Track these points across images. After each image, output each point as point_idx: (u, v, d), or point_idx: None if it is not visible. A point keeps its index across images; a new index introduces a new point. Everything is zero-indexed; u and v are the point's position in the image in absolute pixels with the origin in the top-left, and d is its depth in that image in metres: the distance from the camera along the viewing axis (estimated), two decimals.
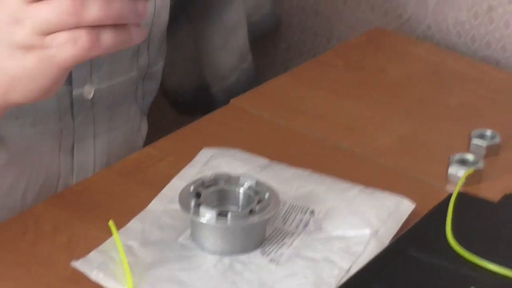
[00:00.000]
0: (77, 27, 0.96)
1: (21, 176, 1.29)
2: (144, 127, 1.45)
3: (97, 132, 1.34)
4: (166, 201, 1.21)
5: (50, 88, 1.02)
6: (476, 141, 1.33)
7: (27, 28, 0.97)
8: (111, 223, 1.12)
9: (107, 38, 0.98)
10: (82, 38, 0.97)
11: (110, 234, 1.13)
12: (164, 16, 1.38)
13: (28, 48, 0.98)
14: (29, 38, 0.98)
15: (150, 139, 1.42)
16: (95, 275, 1.11)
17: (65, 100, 1.28)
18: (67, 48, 0.97)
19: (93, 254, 1.13)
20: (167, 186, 1.24)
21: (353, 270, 1.13)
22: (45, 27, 0.97)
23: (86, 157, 1.34)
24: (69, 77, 1.27)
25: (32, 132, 1.27)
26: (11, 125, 1.25)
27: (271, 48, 1.75)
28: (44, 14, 0.96)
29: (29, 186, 1.30)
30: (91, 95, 1.29)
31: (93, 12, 0.96)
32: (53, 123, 1.28)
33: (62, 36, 0.97)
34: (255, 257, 1.14)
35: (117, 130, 1.37)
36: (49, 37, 0.97)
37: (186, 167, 1.27)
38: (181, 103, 1.62)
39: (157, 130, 1.44)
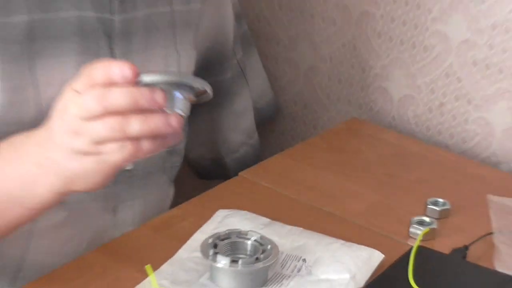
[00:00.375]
0: (123, 138, 0.99)
1: (76, 229, 1.29)
2: (171, 191, 1.45)
3: (135, 196, 1.34)
4: (190, 250, 1.22)
5: (103, 182, 1.05)
6: (431, 207, 1.35)
7: (85, 139, 1.00)
8: (148, 267, 1.13)
9: (147, 145, 1.00)
10: (128, 147, 1.00)
11: (146, 275, 1.14)
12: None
13: (85, 153, 1.01)
14: (86, 147, 1.00)
15: (176, 200, 1.43)
16: None
17: None
18: (116, 154, 1.00)
19: None
20: (190, 239, 1.24)
21: None
22: (98, 139, 0.99)
23: (126, 215, 1.34)
24: None
25: (83, 196, 1.26)
26: None
27: (269, 132, 1.75)
28: (98, 129, 0.99)
29: (82, 237, 1.30)
30: (130, 167, 1.31)
31: (135, 128, 0.99)
32: (100, 190, 1.29)
33: (112, 145, 1.00)
34: None
35: (150, 195, 1.37)
36: (102, 146, 1.00)
37: (206, 224, 1.27)
38: (201, 171, 1.63)
39: (183, 192, 1.44)
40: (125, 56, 1.25)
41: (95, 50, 1.23)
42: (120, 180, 1.30)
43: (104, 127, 0.99)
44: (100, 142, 1.00)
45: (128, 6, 1.25)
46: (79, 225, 1.29)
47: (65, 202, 1.24)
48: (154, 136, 1.01)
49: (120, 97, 0.98)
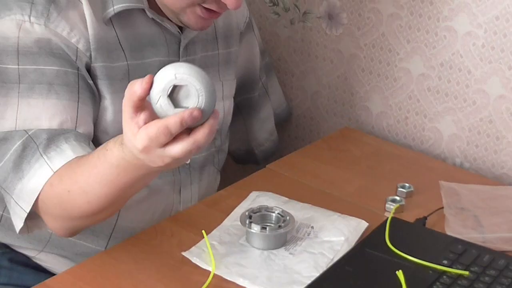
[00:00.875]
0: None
1: (152, 204, 1.26)
2: (218, 178, 1.41)
3: (193, 181, 1.31)
4: (232, 220, 1.19)
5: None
6: (400, 189, 1.31)
7: (169, 160, 0.93)
8: (203, 232, 1.11)
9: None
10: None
11: (202, 237, 1.12)
12: (229, 119, 1.37)
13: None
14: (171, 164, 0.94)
15: (222, 185, 1.39)
16: (194, 260, 1.09)
17: None
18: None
19: (193, 248, 1.12)
20: (233, 212, 1.21)
21: (335, 259, 1.11)
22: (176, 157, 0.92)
23: (186, 195, 1.31)
24: None
25: (159, 181, 1.24)
26: None
27: (286, 137, 1.74)
28: (175, 152, 0.91)
29: (157, 210, 1.27)
30: (189, 162, 1.28)
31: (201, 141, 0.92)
32: (169, 177, 1.26)
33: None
34: (281, 251, 1.12)
35: (203, 180, 1.34)
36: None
37: (243, 201, 1.24)
38: (237, 158, 1.59)
39: (227, 179, 1.42)
40: None
41: None
42: (182, 171, 1.28)
43: (178, 150, 0.91)
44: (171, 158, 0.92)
45: (190, 51, 1.24)
46: (155, 201, 1.26)
47: (147, 187, 1.21)
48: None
49: (175, 125, 0.90)
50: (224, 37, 1.32)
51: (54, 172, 1.03)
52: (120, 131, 1.15)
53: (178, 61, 1.22)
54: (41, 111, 1.07)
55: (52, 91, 1.08)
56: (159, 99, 0.88)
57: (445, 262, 1.09)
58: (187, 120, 0.88)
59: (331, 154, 1.46)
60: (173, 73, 0.88)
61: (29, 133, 1.06)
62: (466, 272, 1.06)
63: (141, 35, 1.17)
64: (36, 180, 1.04)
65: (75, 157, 1.04)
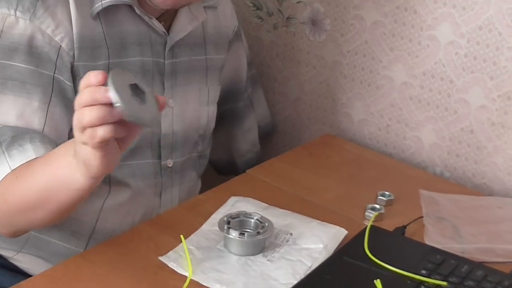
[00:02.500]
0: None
1: (133, 206, 1.24)
2: (199, 183, 1.40)
3: (174, 184, 1.29)
4: (210, 225, 1.18)
5: (105, 167, 0.92)
6: (380, 197, 1.30)
7: (78, 129, 0.90)
8: (182, 237, 1.09)
9: (101, 132, 0.88)
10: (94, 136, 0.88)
11: (180, 241, 1.11)
12: (212, 124, 1.35)
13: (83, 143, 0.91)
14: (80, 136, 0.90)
15: (202, 190, 1.38)
16: (171, 265, 1.08)
17: (157, 167, 1.25)
18: (92, 140, 0.88)
19: (170, 253, 1.10)
20: (211, 217, 1.20)
21: (313, 267, 1.10)
22: (82, 125, 0.88)
23: (167, 199, 1.29)
24: (160, 155, 1.24)
25: (141, 184, 1.23)
26: (132, 179, 1.22)
27: (267, 142, 1.72)
28: (78, 117, 0.88)
29: (137, 213, 1.25)
30: (171, 165, 1.27)
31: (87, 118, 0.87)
32: (151, 179, 1.25)
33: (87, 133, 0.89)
34: (259, 258, 1.11)
35: (184, 184, 1.32)
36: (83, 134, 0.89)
37: (222, 206, 1.23)
38: (219, 169, 1.57)
39: (207, 184, 1.39)
40: (172, 88, 1.24)
41: (151, 83, 1.21)
42: (164, 174, 1.26)
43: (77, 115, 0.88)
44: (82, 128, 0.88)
45: (175, 54, 1.23)
46: (136, 204, 1.24)
47: (128, 187, 1.21)
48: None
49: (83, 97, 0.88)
50: (213, 43, 1.31)
51: (12, 170, 1.02)
52: None
53: (163, 62, 1.21)
54: (10, 108, 1.06)
55: (24, 90, 1.07)
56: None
57: (423, 272, 1.08)
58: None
59: (311, 160, 1.45)
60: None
61: None
62: (445, 283, 1.06)
63: (127, 33, 1.16)
64: None
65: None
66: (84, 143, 0.89)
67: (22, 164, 1.02)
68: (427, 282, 1.06)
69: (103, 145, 0.88)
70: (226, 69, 1.38)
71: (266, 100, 1.63)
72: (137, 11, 1.15)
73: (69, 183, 0.97)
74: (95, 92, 0.86)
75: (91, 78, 0.87)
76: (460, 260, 1.12)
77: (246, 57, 1.47)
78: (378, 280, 1.04)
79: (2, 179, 1.03)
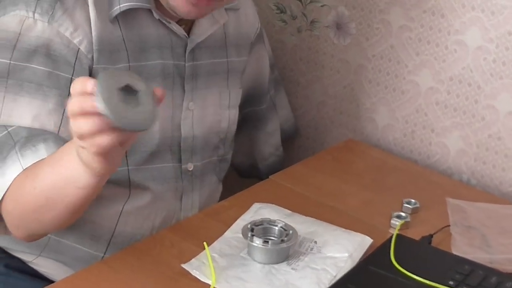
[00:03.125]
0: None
1: (154, 210, 1.23)
2: (220, 188, 1.38)
3: (194, 188, 1.28)
4: (234, 232, 1.16)
5: (107, 167, 0.92)
6: (405, 205, 1.28)
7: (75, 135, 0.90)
8: (205, 243, 1.08)
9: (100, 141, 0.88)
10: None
11: (203, 248, 1.09)
12: (233, 128, 1.34)
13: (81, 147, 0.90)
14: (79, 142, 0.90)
15: (224, 195, 1.36)
16: (194, 272, 1.06)
17: (178, 171, 1.24)
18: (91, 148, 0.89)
19: (193, 260, 1.08)
20: (234, 223, 1.18)
21: (338, 276, 1.08)
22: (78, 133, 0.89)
23: (188, 203, 1.28)
24: (180, 158, 1.23)
25: (161, 187, 1.22)
26: (152, 183, 1.20)
27: (290, 146, 1.71)
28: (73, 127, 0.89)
29: (157, 217, 1.24)
30: (191, 169, 1.25)
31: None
32: (171, 183, 1.23)
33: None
34: (283, 266, 1.09)
35: (205, 188, 1.30)
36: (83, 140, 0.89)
37: (245, 213, 1.21)
38: (241, 172, 1.55)
39: (229, 190, 1.37)
40: (192, 91, 1.22)
41: (171, 86, 1.19)
42: (185, 178, 1.25)
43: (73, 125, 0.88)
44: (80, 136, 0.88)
45: (196, 56, 1.21)
46: (156, 207, 1.23)
47: (148, 191, 1.20)
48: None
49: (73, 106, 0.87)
50: (235, 45, 1.30)
51: (24, 169, 1.01)
52: None
53: (184, 65, 1.20)
54: (26, 110, 1.06)
55: (40, 92, 1.06)
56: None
57: (451, 283, 1.06)
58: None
59: (335, 166, 1.43)
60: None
61: (9, 130, 1.04)
62: None
63: (147, 36, 1.15)
64: (7, 177, 1.02)
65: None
66: (84, 148, 0.89)
67: (33, 163, 1.02)
68: None
69: (103, 151, 0.88)
70: (248, 72, 1.36)
71: (289, 103, 1.61)
72: (156, 15, 1.14)
73: (75, 181, 0.96)
74: (82, 102, 0.85)
75: (78, 86, 0.86)
76: (488, 271, 1.09)
77: (269, 59, 1.46)
78: None
79: (14, 179, 1.02)
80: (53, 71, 1.07)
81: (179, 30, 1.17)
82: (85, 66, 1.09)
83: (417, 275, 1.06)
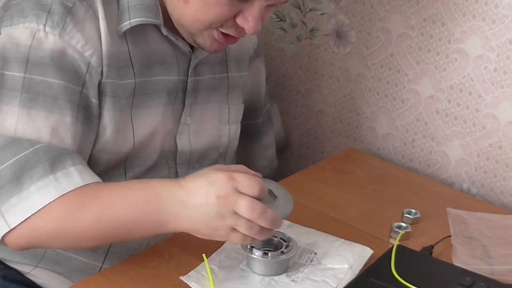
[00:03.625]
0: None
1: None
2: None
3: None
4: (233, 243, 1.13)
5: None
6: (406, 215, 1.27)
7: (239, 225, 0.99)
8: (204, 256, 1.07)
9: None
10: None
11: (201, 260, 1.08)
12: (235, 143, 1.32)
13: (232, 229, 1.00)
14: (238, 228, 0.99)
15: None
16: (193, 285, 1.05)
17: (172, 178, 1.22)
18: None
19: (192, 273, 1.07)
20: None
21: None
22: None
23: None
24: (176, 172, 1.23)
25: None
26: (149, 176, 1.20)
27: (289, 156, 1.70)
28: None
29: None
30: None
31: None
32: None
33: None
34: (283, 278, 1.08)
35: None
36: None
37: None
38: None
39: None
40: (191, 106, 1.22)
41: (173, 101, 1.19)
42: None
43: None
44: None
45: (198, 72, 1.22)
46: None
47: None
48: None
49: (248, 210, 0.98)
50: (235, 61, 1.29)
51: (61, 195, 1.01)
52: (118, 150, 1.12)
53: (186, 80, 1.20)
54: (42, 125, 1.04)
55: (56, 106, 1.04)
56: None
57: None
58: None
59: (335, 176, 1.42)
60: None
61: (34, 147, 1.02)
62: None
63: (153, 52, 1.14)
64: (38, 198, 1.00)
65: (90, 184, 1.03)
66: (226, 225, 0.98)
67: (85, 190, 1.02)
68: None
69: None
70: (247, 86, 1.36)
71: (287, 113, 1.60)
72: (163, 31, 1.13)
73: (152, 227, 1.01)
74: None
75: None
76: (490, 283, 1.08)
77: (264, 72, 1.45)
78: None
79: (50, 203, 1.00)
80: (68, 84, 1.06)
81: (185, 46, 1.17)
82: (95, 80, 1.08)
83: (418, 287, 1.05)
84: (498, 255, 1.17)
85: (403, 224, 1.23)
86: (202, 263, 1.08)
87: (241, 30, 1.09)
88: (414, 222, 1.25)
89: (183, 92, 1.20)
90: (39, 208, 1.00)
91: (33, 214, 1.00)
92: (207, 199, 0.98)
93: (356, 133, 1.59)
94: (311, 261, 1.12)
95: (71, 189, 1.01)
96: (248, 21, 1.08)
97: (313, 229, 1.19)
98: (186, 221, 0.99)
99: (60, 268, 1.21)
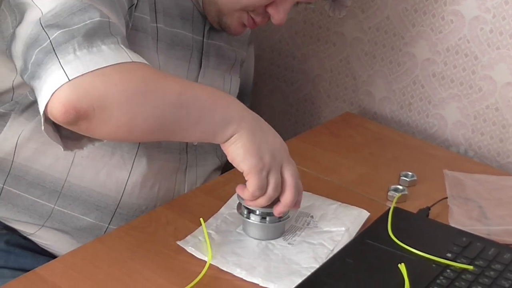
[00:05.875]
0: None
1: (157, 180, 1.21)
2: (219, 172, 1.36)
3: (198, 164, 1.28)
4: (230, 208, 1.15)
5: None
6: (402, 178, 1.27)
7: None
8: (201, 220, 1.07)
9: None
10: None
11: (198, 226, 1.08)
12: None
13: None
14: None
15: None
16: (190, 249, 1.05)
17: (183, 144, 1.24)
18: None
19: (189, 237, 1.08)
20: (230, 199, 1.17)
21: (335, 250, 1.07)
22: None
23: (192, 177, 1.27)
24: None
25: (164, 156, 1.21)
26: (156, 151, 1.20)
27: (286, 121, 1.70)
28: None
29: (161, 187, 1.22)
30: (196, 143, 1.26)
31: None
32: (175, 154, 1.23)
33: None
34: (280, 241, 1.08)
35: (208, 167, 1.31)
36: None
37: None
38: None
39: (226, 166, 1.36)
40: (205, 68, 1.24)
41: (188, 58, 1.21)
42: (189, 151, 1.26)
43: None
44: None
45: (211, 35, 1.24)
46: (160, 178, 1.22)
47: (152, 159, 1.19)
48: None
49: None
50: (236, 39, 1.32)
51: (136, 61, 0.92)
52: None
53: (202, 40, 1.22)
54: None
55: (114, 8, 1.00)
56: None
57: (449, 255, 1.05)
58: None
59: (332, 140, 1.42)
60: None
61: (109, 19, 0.95)
62: (471, 267, 1.03)
63: (172, 3, 1.17)
64: (111, 56, 0.90)
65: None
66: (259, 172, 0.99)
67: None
68: (453, 266, 1.03)
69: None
70: (244, 66, 1.39)
71: (283, 78, 1.60)
72: None
73: (217, 122, 0.97)
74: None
75: None
76: (486, 243, 1.08)
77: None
78: (403, 264, 1.01)
79: (133, 63, 0.91)
80: None
81: (201, 7, 1.21)
82: (132, 8, 1.08)
83: (414, 248, 1.05)
84: (494, 216, 1.17)
85: (400, 187, 1.23)
86: (199, 228, 1.08)
87: (267, 18, 1.16)
88: (411, 185, 1.25)
89: (199, 52, 1.22)
90: (113, 63, 0.90)
91: (106, 67, 0.89)
92: (274, 138, 1.03)
93: (353, 97, 1.58)
94: (308, 224, 1.12)
95: (146, 63, 0.94)
96: (279, 12, 1.15)
97: (309, 193, 1.19)
98: (246, 131, 0.98)
99: (66, 227, 1.20)
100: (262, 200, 1.02)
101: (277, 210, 1.04)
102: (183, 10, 1.19)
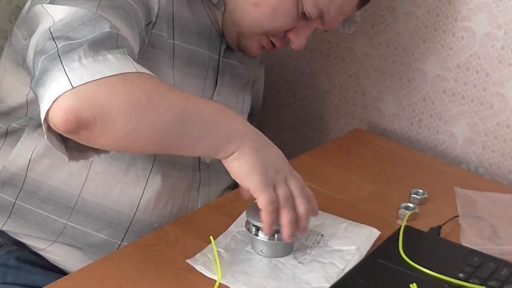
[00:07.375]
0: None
1: (170, 198, 1.21)
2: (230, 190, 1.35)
3: (211, 182, 1.27)
4: (239, 225, 1.14)
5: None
6: (413, 196, 1.26)
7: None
8: (211, 238, 1.06)
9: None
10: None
11: (207, 242, 1.07)
12: None
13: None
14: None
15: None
16: (199, 268, 1.04)
17: (196, 161, 1.23)
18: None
19: (198, 256, 1.07)
20: (239, 217, 1.16)
21: (346, 270, 1.06)
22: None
23: (205, 194, 1.27)
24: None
25: (178, 174, 1.20)
26: (171, 168, 1.19)
27: (295, 137, 1.69)
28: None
29: (174, 205, 1.22)
30: (209, 161, 1.25)
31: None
32: (189, 172, 1.22)
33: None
34: (290, 260, 1.07)
35: (221, 185, 1.30)
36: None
37: (250, 206, 1.17)
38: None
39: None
40: (220, 86, 1.25)
41: (204, 76, 1.21)
42: (202, 169, 1.25)
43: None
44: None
45: (227, 54, 1.25)
46: (173, 195, 1.21)
47: (166, 176, 1.18)
48: None
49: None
50: (253, 59, 1.32)
51: (141, 72, 0.92)
52: None
53: (218, 59, 1.22)
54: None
55: (129, 23, 0.99)
56: None
57: (461, 275, 1.04)
58: None
59: (341, 157, 1.41)
60: None
61: (118, 31, 0.94)
62: (483, 287, 1.01)
63: (191, 20, 1.17)
64: (116, 65, 0.89)
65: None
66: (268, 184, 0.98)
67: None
68: (465, 286, 1.02)
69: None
70: (255, 85, 1.40)
71: (292, 94, 1.59)
72: (206, 5, 1.17)
73: (221, 137, 0.96)
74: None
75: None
76: (499, 263, 1.07)
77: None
78: (414, 284, 1.00)
79: (128, 72, 0.90)
80: (140, 11, 1.03)
81: (219, 27, 1.21)
82: (150, 25, 1.08)
83: (426, 268, 1.04)
84: (507, 235, 1.16)
85: (411, 205, 1.22)
86: (208, 246, 1.07)
87: (286, 43, 1.18)
88: (421, 203, 1.24)
89: (214, 71, 1.22)
90: (117, 73, 0.88)
91: (110, 76, 0.88)
92: (276, 153, 1.02)
93: (363, 113, 1.58)
94: (318, 243, 1.11)
95: (152, 75, 0.93)
96: (299, 37, 1.17)
97: (319, 211, 1.18)
98: (248, 148, 0.97)
99: (79, 243, 1.19)
100: (283, 215, 1.00)
101: (299, 226, 1.02)
102: (201, 27, 1.19)
